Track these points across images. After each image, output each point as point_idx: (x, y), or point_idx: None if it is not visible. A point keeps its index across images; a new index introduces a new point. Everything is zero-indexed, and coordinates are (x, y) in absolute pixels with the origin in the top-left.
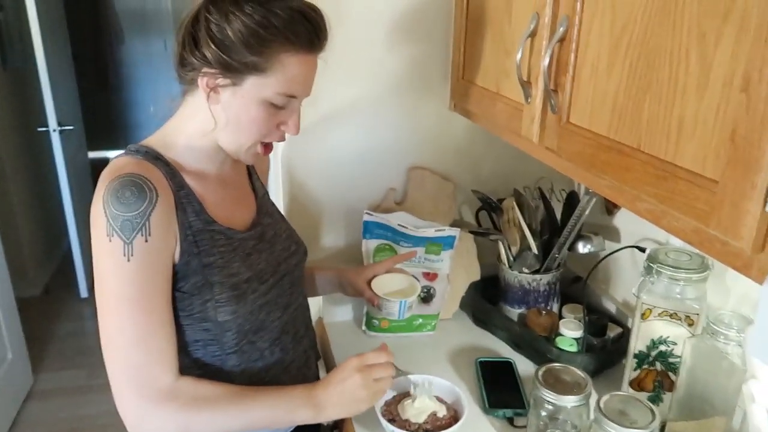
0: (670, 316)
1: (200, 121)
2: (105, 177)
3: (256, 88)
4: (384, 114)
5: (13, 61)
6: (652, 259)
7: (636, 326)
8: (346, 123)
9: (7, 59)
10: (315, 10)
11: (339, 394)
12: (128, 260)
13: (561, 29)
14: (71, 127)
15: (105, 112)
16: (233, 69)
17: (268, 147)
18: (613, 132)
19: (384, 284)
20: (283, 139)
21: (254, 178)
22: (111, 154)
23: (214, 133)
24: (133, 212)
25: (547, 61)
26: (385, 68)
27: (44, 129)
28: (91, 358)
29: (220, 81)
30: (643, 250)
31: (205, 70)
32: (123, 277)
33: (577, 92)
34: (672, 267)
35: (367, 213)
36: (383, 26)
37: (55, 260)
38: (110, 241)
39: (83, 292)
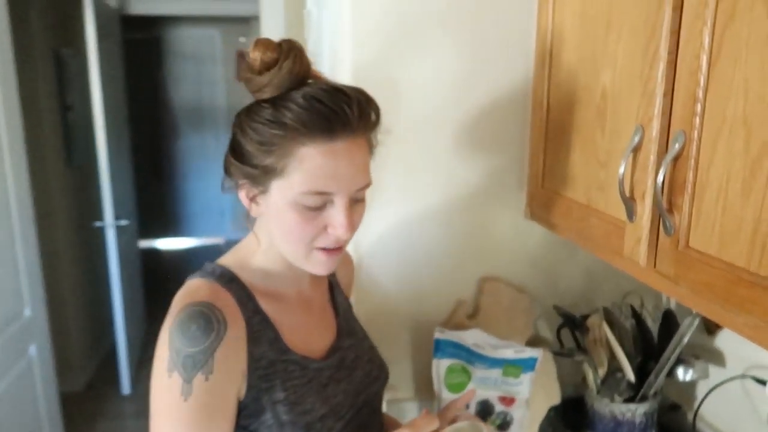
0: None
1: (265, 239)
2: (177, 302)
3: (281, 192)
4: (454, 221)
5: (78, 159)
6: None
7: None
8: (413, 230)
9: (72, 157)
10: (339, 91)
11: None
12: (185, 400)
13: (677, 146)
14: (126, 222)
15: (158, 203)
16: (254, 176)
17: (331, 252)
18: (755, 265)
19: None
20: (339, 243)
21: (336, 292)
22: (161, 243)
23: (276, 247)
24: (197, 348)
25: (661, 179)
26: (456, 173)
27: (100, 224)
28: None
29: (253, 190)
30: (763, 382)
31: (240, 182)
32: (178, 418)
33: (699, 215)
34: None
35: (438, 330)
36: (455, 131)
37: (100, 355)
38: (170, 377)
39: (125, 389)
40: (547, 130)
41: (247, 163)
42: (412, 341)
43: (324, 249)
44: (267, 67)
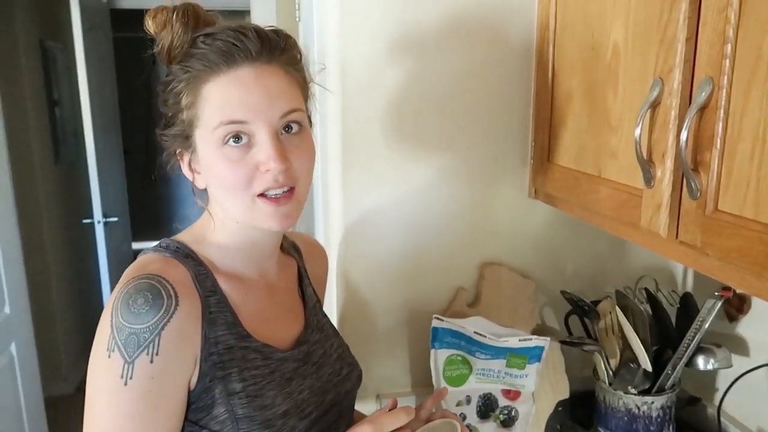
0: None
1: (218, 212)
2: (124, 277)
3: (203, 140)
4: (451, 202)
5: (66, 156)
6: None
7: None
8: (408, 212)
9: (60, 154)
10: (237, 27)
11: None
12: (125, 383)
13: (703, 95)
14: (116, 219)
15: (153, 203)
16: (180, 137)
17: (276, 201)
18: None
19: None
20: (278, 182)
21: (305, 283)
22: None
23: (228, 219)
24: (142, 324)
25: (684, 135)
26: (452, 152)
27: (89, 221)
28: None
29: (187, 155)
30: None
31: (177, 152)
32: (115, 407)
33: (731, 172)
34: None
35: (436, 318)
36: (453, 108)
37: None
38: (109, 357)
39: None
40: (552, 99)
41: (170, 125)
42: (408, 332)
43: (267, 197)
44: (161, 28)
